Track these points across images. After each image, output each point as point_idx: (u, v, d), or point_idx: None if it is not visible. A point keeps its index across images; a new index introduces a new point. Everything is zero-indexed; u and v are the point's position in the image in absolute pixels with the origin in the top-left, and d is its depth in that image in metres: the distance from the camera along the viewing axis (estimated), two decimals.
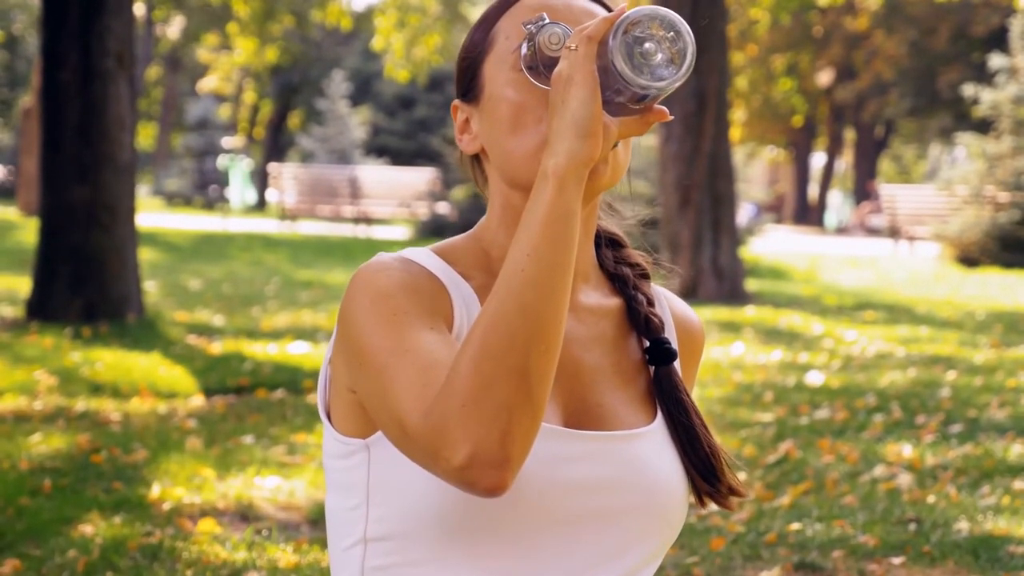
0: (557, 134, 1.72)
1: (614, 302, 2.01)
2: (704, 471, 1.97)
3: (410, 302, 1.80)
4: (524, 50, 1.84)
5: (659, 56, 1.70)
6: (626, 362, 1.99)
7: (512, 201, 1.92)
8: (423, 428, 1.67)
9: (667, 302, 2.09)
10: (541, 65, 1.83)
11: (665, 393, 1.98)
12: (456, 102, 1.99)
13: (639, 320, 2.00)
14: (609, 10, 1.97)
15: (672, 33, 1.70)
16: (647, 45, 1.70)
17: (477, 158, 1.99)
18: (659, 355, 1.99)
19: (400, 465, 1.82)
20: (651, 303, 2.04)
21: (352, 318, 1.80)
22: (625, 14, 1.70)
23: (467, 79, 1.96)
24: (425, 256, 1.90)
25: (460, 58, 1.98)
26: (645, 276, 2.08)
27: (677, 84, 1.71)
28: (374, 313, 1.78)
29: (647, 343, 2.00)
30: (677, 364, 2.02)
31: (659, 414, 1.98)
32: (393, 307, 1.78)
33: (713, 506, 2.01)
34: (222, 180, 39.24)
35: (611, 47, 1.69)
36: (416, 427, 1.68)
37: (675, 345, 2.04)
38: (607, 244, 2.08)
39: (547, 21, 1.82)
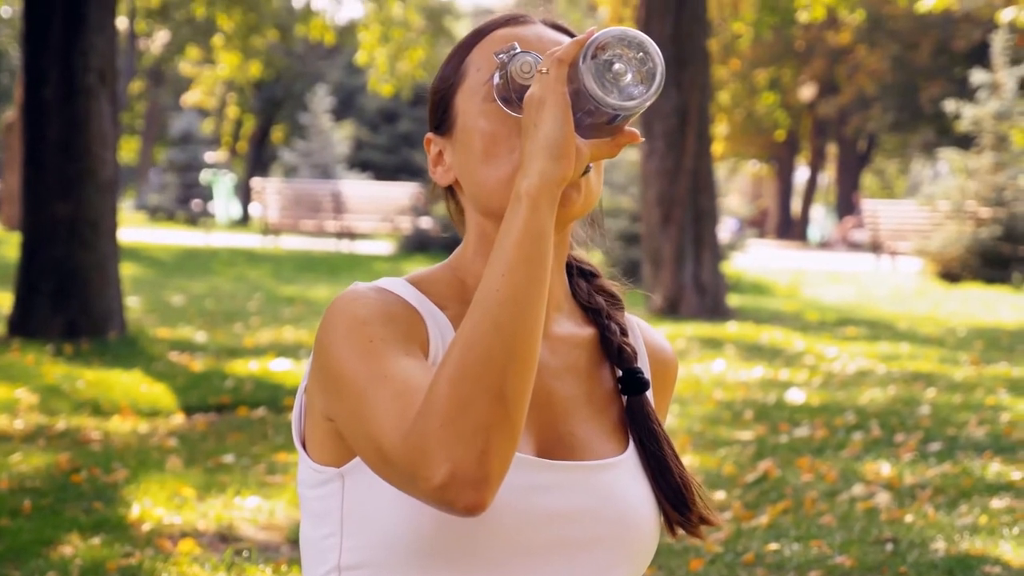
0: (530, 156, 1.74)
1: (587, 332, 2.03)
2: (675, 501, 1.99)
3: (386, 329, 1.81)
4: (496, 79, 1.86)
5: (629, 76, 1.72)
6: (599, 391, 2.01)
7: (486, 230, 1.94)
8: (402, 450, 1.68)
9: (641, 332, 2.11)
10: (513, 94, 1.85)
11: (637, 423, 2.00)
12: (429, 135, 2.01)
13: (612, 350, 2.02)
14: None
15: (641, 54, 1.72)
16: (617, 66, 1.72)
17: (451, 190, 2.02)
18: (632, 385, 2.01)
19: (374, 494, 1.83)
20: (624, 333, 2.06)
21: (328, 347, 1.82)
22: (594, 36, 1.73)
23: (439, 112, 1.98)
24: (400, 286, 1.92)
25: (432, 92, 2.01)
26: (619, 306, 2.09)
27: (647, 103, 1.73)
28: (350, 341, 1.80)
29: (620, 373, 2.02)
30: (650, 394, 2.04)
31: (631, 443, 1.99)
32: (369, 334, 1.80)
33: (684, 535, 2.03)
34: (205, 194, 39.19)
35: (581, 69, 1.71)
36: (395, 449, 1.69)
37: (648, 375, 2.06)
38: (580, 274, 2.10)
39: (518, 50, 1.84)
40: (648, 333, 2.13)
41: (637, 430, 2.00)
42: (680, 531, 2.02)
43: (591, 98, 1.71)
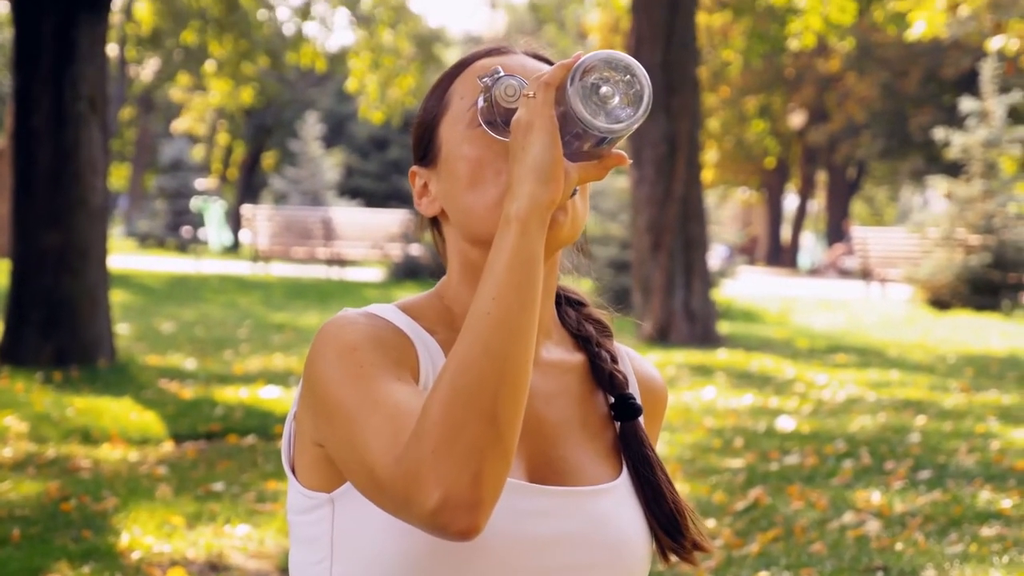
0: (519, 179, 1.73)
1: (577, 358, 2.04)
2: (668, 527, 1.99)
3: (376, 355, 1.81)
4: (480, 103, 1.86)
5: (616, 99, 1.72)
6: (592, 417, 2.01)
7: (472, 258, 1.94)
8: (395, 474, 1.68)
9: (631, 362, 2.12)
10: (498, 118, 1.85)
11: (631, 448, 2.00)
12: (414, 168, 2.01)
13: (603, 377, 2.03)
14: None
15: (628, 76, 1.72)
16: (604, 89, 1.72)
17: (436, 221, 2.02)
18: (625, 410, 2.01)
19: (364, 519, 1.83)
20: (615, 360, 2.06)
21: (319, 373, 1.82)
22: (581, 60, 1.73)
23: (424, 144, 1.99)
24: (390, 311, 1.92)
25: (416, 125, 2.01)
26: (608, 334, 2.10)
27: (635, 126, 1.73)
28: (341, 367, 1.80)
29: (612, 399, 2.03)
30: (641, 420, 2.04)
31: (624, 469, 1.99)
32: (359, 360, 1.80)
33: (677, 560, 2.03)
34: (195, 221, 39.19)
35: (569, 92, 1.71)
36: (388, 474, 1.69)
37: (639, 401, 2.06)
38: (568, 303, 2.10)
39: (502, 74, 1.85)
40: (637, 362, 2.13)
41: (631, 456, 2.00)
42: (673, 557, 2.02)
43: (579, 121, 1.71)
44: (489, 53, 1.98)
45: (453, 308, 1.96)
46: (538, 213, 1.72)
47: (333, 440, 1.80)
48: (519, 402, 1.70)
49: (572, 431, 1.97)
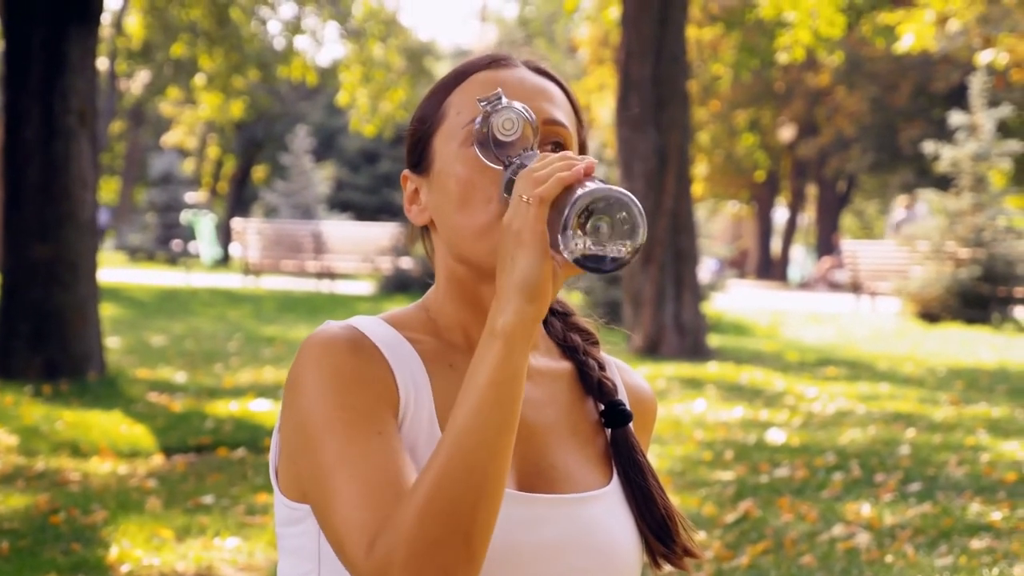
0: (505, 293, 1.72)
1: (565, 366, 2.04)
2: (659, 532, 1.98)
3: (356, 395, 1.80)
4: (477, 124, 1.85)
5: (610, 234, 1.70)
6: (582, 424, 2.01)
7: (458, 274, 1.94)
8: (365, 566, 1.69)
9: (619, 373, 2.12)
10: (492, 146, 1.84)
11: (622, 454, 2.00)
12: (406, 172, 2.00)
13: (592, 384, 2.02)
14: (560, 85, 1.99)
15: (623, 213, 1.70)
16: (599, 225, 1.70)
17: (427, 228, 2.01)
18: (615, 417, 2.01)
19: None
20: (603, 367, 2.06)
21: (299, 403, 1.82)
22: (576, 196, 1.69)
23: (417, 151, 1.98)
24: (373, 324, 1.91)
25: (411, 130, 2.01)
26: (594, 341, 2.10)
27: (627, 262, 1.71)
28: (322, 403, 1.79)
29: (602, 407, 2.02)
30: (632, 426, 2.04)
31: (615, 476, 1.99)
32: (340, 402, 1.79)
33: (668, 568, 2.02)
34: (186, 235, 39.16)
35: (563, 237, 1.69)
36: (358, 561, 1.70)
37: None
38: (553, 314, 2.10)
39: (503, 103, 1.83)
40: (626, 373, 2.13)
41: (622, 462, 2.00)
42: (664, 564, 2.01)
43: (573, 252, 1.69)
44: (489, 64, 1.97)
45: (438, 321, 1.96)
46: (524, 328, 1.71)
47: (307, 477, 1.81)
48: (494, 517, 1.71)
49: (562, 438, 1.97)
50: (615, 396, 2.02)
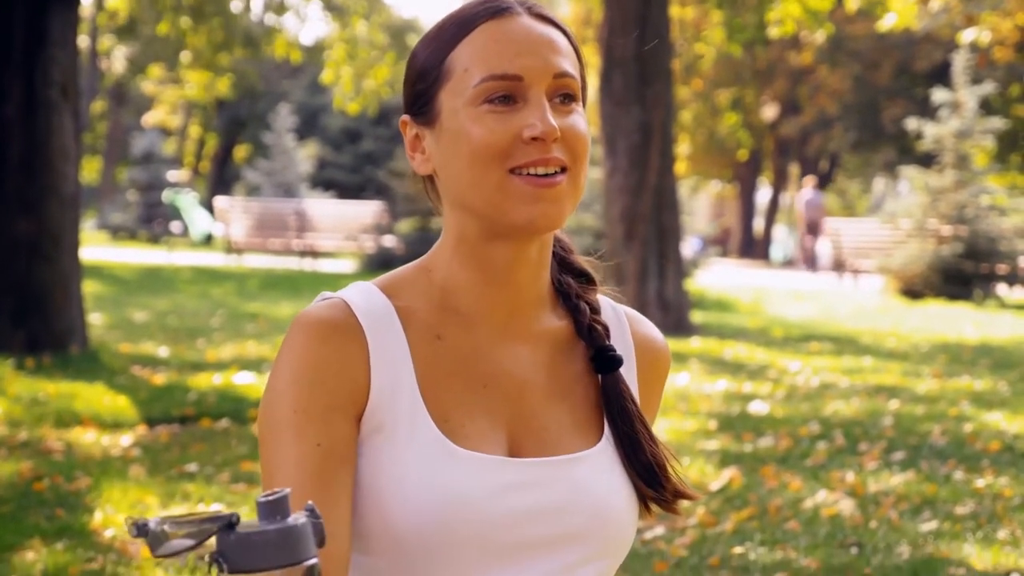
0: None
1: (565, 323, 1.98)
2: (647, 477, 1.94)
3: (313, 398, 1.79)
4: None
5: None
6: (577, 384, 1.96)
7: (468, 232, 1.88)
8: None
9: (630, 322, 2.06)
10: None
11: (611, 402, 1.95)
12: (405, 117, 1.93)
13: (583, 331, 1.97)
14: (566, 34, 1.94)
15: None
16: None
17: (431, 178, 1.95)
18: (604, 363, 1.95)
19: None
20: (596, 311, 2.00)
21: (270, 385, 1.82)
22: None
23: (420, 100, 1.90)
24: (366, 296, 1.88)
25: (412, 78, 1.93)
26: (591, 284, 2.05)
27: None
28: (281, 401, 1.80)
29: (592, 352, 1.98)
30: (633, 382, 2.00)
31: (607, 429, 1.95)
32: (296, 403, 1.79)
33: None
34: (168, 214, 39.06)
35: None
36: None
37: (632, 361, 2.02)
38: (552, 255, 2.01)
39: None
40: (637, 323, 2.07)
41: (611, 410, 1.95)
42: (656, 508, 1.98)
43: None
44: (492, 14, 1.89)
45: (445, 286, 1.91)
46: None
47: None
48: None
49: (555, 399, 1.93)
50: (605, 341, 1.97)
